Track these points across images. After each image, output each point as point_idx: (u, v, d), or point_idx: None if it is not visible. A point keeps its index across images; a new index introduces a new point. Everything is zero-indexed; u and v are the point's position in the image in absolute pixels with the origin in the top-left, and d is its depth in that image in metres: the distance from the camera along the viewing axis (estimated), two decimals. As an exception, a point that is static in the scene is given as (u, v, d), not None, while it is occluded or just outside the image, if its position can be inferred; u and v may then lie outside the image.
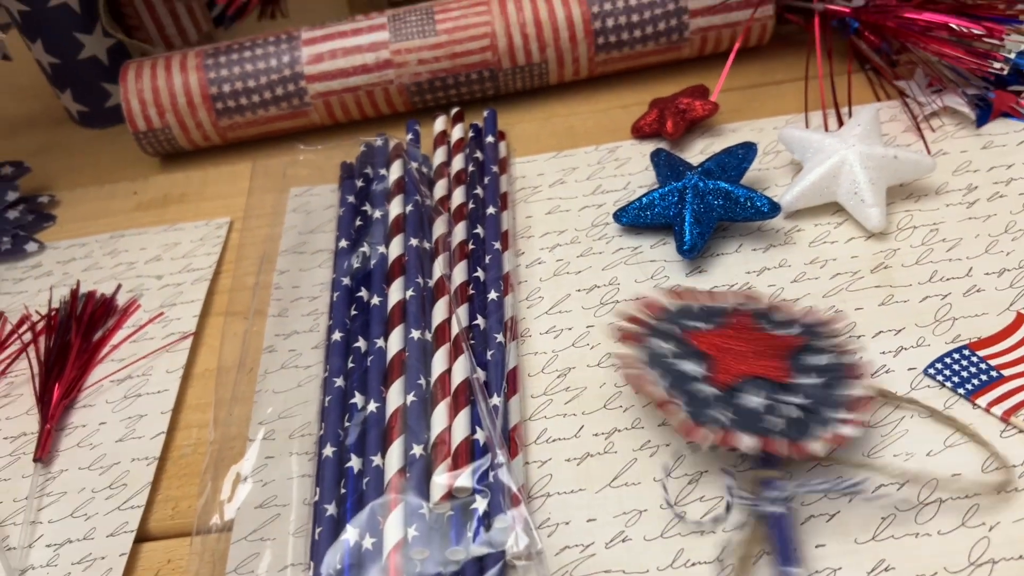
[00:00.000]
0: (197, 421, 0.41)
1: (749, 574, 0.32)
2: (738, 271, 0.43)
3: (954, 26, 0.46)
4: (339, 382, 0.39)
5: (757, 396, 0.34)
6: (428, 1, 0.53)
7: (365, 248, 0.45)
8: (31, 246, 0.51)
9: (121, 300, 0.47)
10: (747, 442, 0.32)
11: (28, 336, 0.46)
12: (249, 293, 0.46)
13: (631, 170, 0.49)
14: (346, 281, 0.43)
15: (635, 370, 0.35)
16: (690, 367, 0.35)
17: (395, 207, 0.46)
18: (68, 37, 0.54)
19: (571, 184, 0.49)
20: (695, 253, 0.42)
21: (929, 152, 0.46)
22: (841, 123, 0.48)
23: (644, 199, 0.44)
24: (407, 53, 0.52)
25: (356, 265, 0.44)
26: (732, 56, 0.51)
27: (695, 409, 0.33)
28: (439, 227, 0.45)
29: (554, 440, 0.37)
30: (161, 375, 0.43)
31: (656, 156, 0.47)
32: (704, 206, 0.43)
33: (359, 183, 0.49)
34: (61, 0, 0.53)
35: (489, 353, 0.39)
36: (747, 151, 0.45)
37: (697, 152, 0.49)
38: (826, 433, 0.32)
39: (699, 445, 0.35)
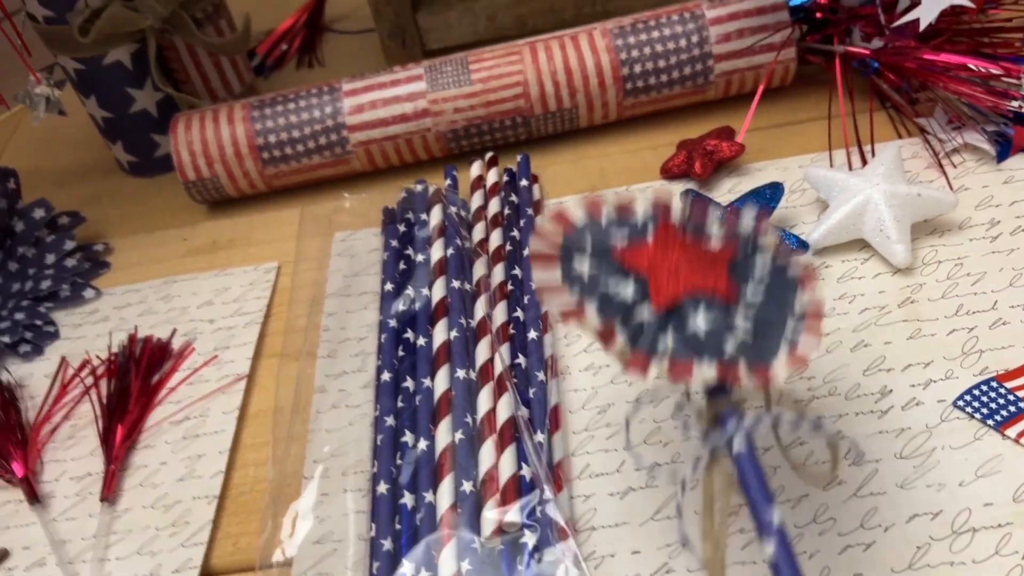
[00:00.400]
0: (254, 460, 0.43)
1: (723, 521, 0.29)
2: (769, 307, 0.44)
3: (972, 66, 0.48)
4: (390, 421, 0.41)
5: (701, 318, 0.30)
6: (463, 52, 0.55)
7: (410, 291, 0.47)
8: (89, 293, 0.53)
9: (176, 344, 0.49)
10: (704, 371, 0.28)
11: (90, 380, 0.48)
12: (299, 335, 0.48)
13: (662, 210, 0.51)
14: (393, 323, 0.45)
15: (560, 296, 0.30)
16: (621, 289, 0.31)
17: (437, 251, 0.48)
18: (121, 92, 0.57)
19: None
20: (727, 291, 0.44)
21: (951, 188, 0.48)
22: (864, 161, 0.50)
23: (676, 239, 0.46)
24: (444, 102, 0.54)
25: (402, 308, 0.46)
26: (756, 99, 0.53)
27: (633, 336, 0.29)
28: (479, 269, 0.47)
29: (597, 475, 0.39)
30: (218, 416, 0.45)
31: (686, 197, 0.48)
32: (734, 245, 0.44)
33: (402, 228, 0.51)
34: (115, 59, 0.56)
35: (531, 391, 0.41)
36: (774, 191, 0.47)
37: (725, 191, 0.51)
38: (784, 353, 0.29)
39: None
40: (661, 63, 0.54)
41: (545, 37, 0.55)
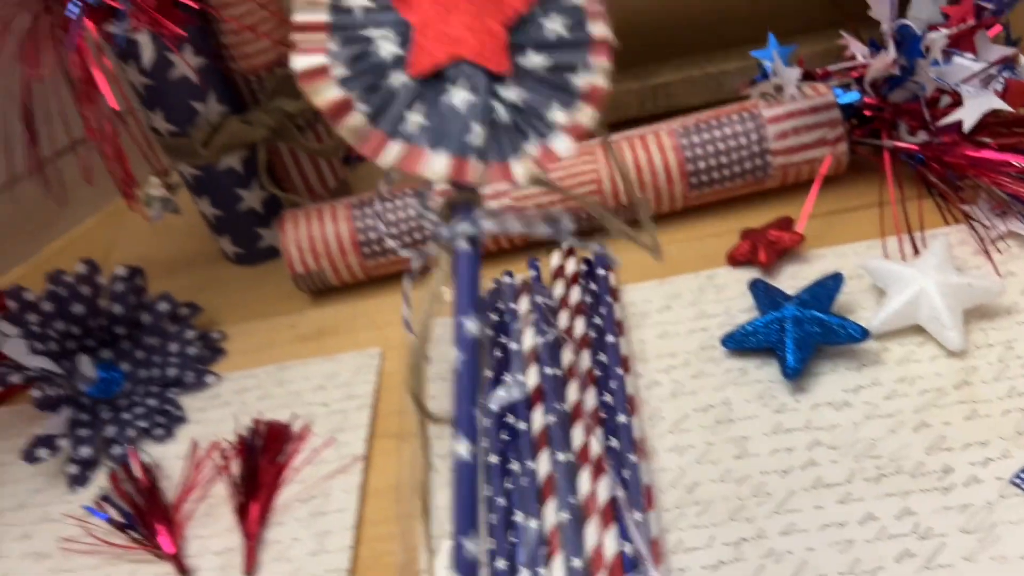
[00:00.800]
0: (377, 535, 0.48)
1: (430, 317, 0.27)
2: (835, 389, 0.49)
3: (1015, 163, 0.53)
4: (501, 501, 0.46)
5: (463, 91, 0.26)
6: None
7: (508, 378, 0.52)
8: (210, 379, 0.59)
9: (296, 426, 0.55)
10: (434, 166, 0.26)
11: (221, 460, 0.53)
12: (407, 418, 0.53)
13: (729, 295, 0.56)
14: (495, 408, 0.51)
15: (311, 50, 0.26)
16: (383, 41, 0.27)
17: (528, 339, 0.54)
18: (231, 193, 0.63)
19: (676, 310, 0.56)
20: (798, 376, 0.49)
21: (999, 274, 0.52)
22: (915, 247, 0.55)
23: (748, 327, 0.51)
24: (526, 199, 0.59)
25: (502, 394, 0.51)
26: (813, 193, 0.58)
27: (377, 109, 0.26)
28: (567, 355, 0.53)
29: (690, 550, 0.44)
30: (340, 494, 0.50)
31: (755, 287, 0.53)
32: (803, 333, 0.49)
33: (494, 317, 0.56)
34: (228, 165, 0.62)
35: (626, 472, 0.46)
36: (835, 282, 0.52)
37: (787, 277, 0.56)
38: (532, 147, 0.26)
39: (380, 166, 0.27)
40: (723, 159, 0.59)
41: (616, 138, 0.60)
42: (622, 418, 0.48)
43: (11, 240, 0.73)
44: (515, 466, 0.47)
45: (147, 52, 0.54)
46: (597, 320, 0.54)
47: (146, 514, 0.51)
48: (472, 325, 0.26)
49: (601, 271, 0.57)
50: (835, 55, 0.65)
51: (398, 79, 0.26)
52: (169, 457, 0.55)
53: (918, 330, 0.50)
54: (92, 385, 0.58)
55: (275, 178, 0.66)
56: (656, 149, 0.59)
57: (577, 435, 0.48)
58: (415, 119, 0.26)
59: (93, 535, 0.51)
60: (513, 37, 0.27)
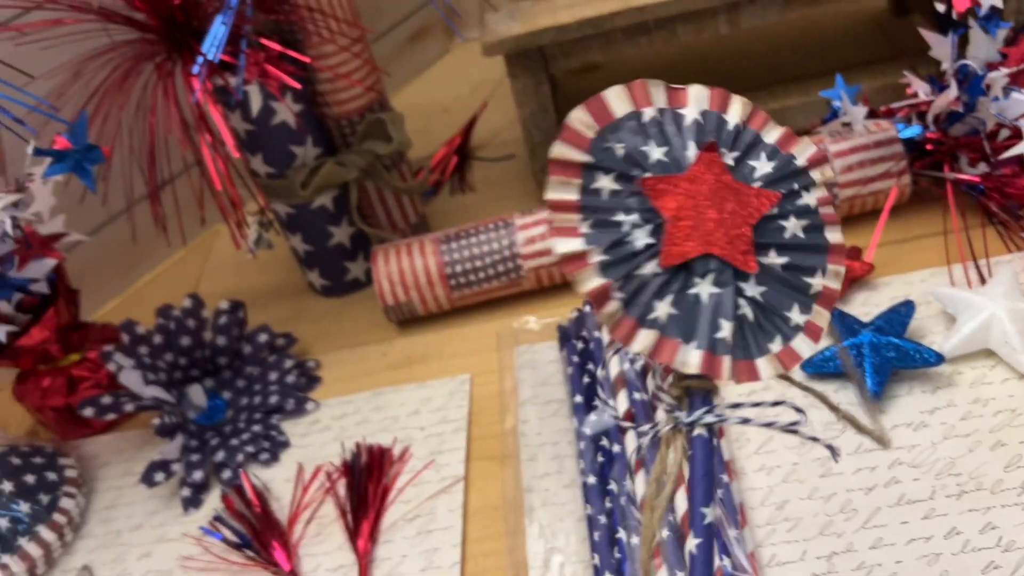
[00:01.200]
0: (482, 551, 0.51)
1: (664, 496, 0.29)
2: (912, 411, 0.52)
3: (1073, 194, 0.56)
4: (603, 520, 0.49)
5: (710, 285, 0.28)
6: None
7: (598, 403, 0.55)
8: (310, 405, 0.63)
9: (396, 449, 0.58)
10: (688, 360, 0.27)
11: (327, 483, 0.57)
12: (500, 440, 0.56)
13: (803, 322, 0.59)
14: (588, 431, 0.54)
15: (569, 234, 0.28)
16: (636, 229, 0.28)
17: (614, 365, 0.57)
18: (322, 230, 0.67)
19: (754, 336, 0.59)
20: (877, 399, 0.52)
21: (1063, 299, 0.55)
22: (980, 273, 0.58)
23: (827, 352, 0.54)
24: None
25: (593, 417, 0.55)
26: (881, 224, 0.60)
27: (630, 296, 0.27)
28: (651, 381, 0.56)
29: (783, 563, 0.46)
30: (444, 513, 0.54)
31: (831, 314, 0.56)
32: (881, 359, 0.52)
33: (579, 345, 0.59)
34: (320, 203, 0.66)
35: (719, 491, 0.49)
36: (907, 308, 0.55)
37: (859, 304, 0.59)
38: (775, 346, 0.27)
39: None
40: (792, 192, 0.62)
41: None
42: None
43: (104, 275, 0.77)
44: (613, 486, 0.50)
45: (255, 101, 0.58)
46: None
47: (260, 533, 0.54)
48: (710, 515, 0.27)
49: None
50: (891, 90, 0.68)
51: (649, 268, 0.28)
52: (276, 480, 0.59)
53: (988, 354, 0.53)
54: (201, 413, 0.62)
55: (362, 215, 0.70)
56: (728, 183, 0.62)
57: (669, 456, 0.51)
58: (664, 308, 0.27)
59: (211, 552, 0.55)
60: (756, 235, 0.28)
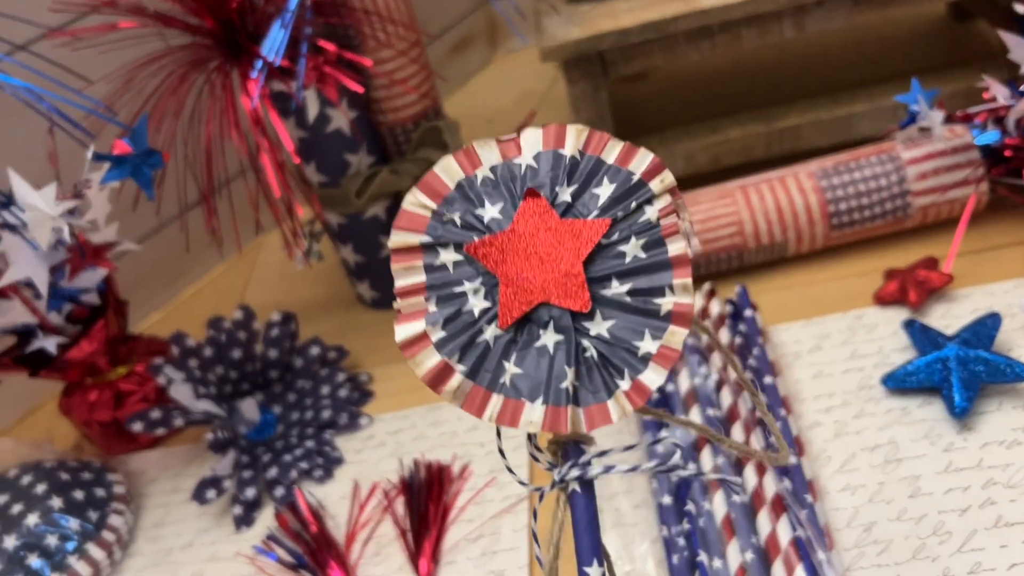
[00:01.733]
0: None
1: (555, 555, 0.28)
2: (1003, 428, 0.49)
3: None
4: (681, 542, 0.47)
5: (552, 333, 0.27)
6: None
7: (669, 425, 0.53)
8: (364, 420, 0.61)
9: (456, 466, 0.56)
10: (531, 418, 0.27)
11: (384, 500, 0.55)
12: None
13: (881, 335, 0.56)
14: (661, 449, 0.51)
15: (413, 318, 0.27)
16: (473, 296, 0.27)
17: (683, 381, 0.54)
18: (375, 240, 0.66)
19: (828, 350, 0.56)
20: (966, 415, 0.49)
21: None
22: (1066, 285, 0.55)
23: (909, 367, 0.52)
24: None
25: (663, 434, 0.52)
26: (960, 233, 0.58)
27: (475, 366, 0.27)
28: (726, 397, 0.53)
29: (877, 588, 0.44)
30: (509, 534, 0.51)
31: (911, 327, 0.54)
32: (969, 373, 0.50)
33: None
34: (373, 213, 0.64)
35: (803, 512, 0.46)
36: (993, 321, 0.52)
37: (938, 316, 0.56)
38: (625, 383, 0.26)
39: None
40: (864, 200, 0.60)
41: (754, 181, 0.62)
42: (792, 459, 0.49)
43: (151, 286, 0.76)
44: (691, 506, 0.48)
45: (312, 107, 0.57)
46: (751, 361, 0.55)
47: (317, 553, 0.52)
48: (594, 573, 0.26)
49: (748, 312, 0.58)
50: (960, 96, 0.66)
51: (490, 332, 0.27)
52: (331, 497, 0.57)
53: (1084, 368, 0.51)
54: (252, 428, 0.60)
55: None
56: (796, 191, 0.60)
57: (749, 476, 0.49)
58: (511, 369, 0.27)
59: (265, 573, 0.53)
60: (594, 268, 0.27)
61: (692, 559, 0.46)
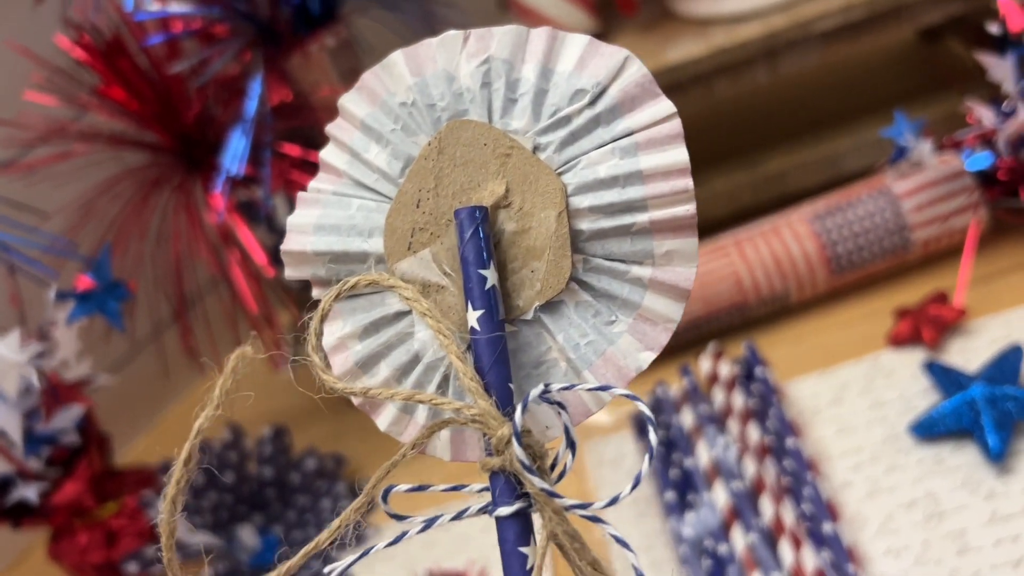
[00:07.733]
0: None
1: None
2: (1046, 467, 0.46)
3: None
4: (724, 634, 0.43)
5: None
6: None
7: (691, 498, 0.50)
8: (370, 532, 0.57)
9: (473, 572, 0.52)
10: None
11: (400, 620, 0.51)
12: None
13: (900, 380, 0.54)
14: (688, 532, 0.48)
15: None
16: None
17: (702, 453, 0.52)
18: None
19: (848, 401, 0.54)
20: (1003, 458, 0.46)
21: None
22: (1084, 305, 0.53)
23: (935, 413, 0.49)
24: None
25: (693, 514, 0.49)
26: (966, 263, 0.56)
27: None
28: (749, 466, 0.50)
29: (941, 664, 0.41)
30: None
31: (932, 369, 0.51)
32: (1000, 412, 0.47)
33: (655, 435, 0.54)
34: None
35: (849, 585, 0.43)
36: (1016, 354, 0.50)
37: (956, 353, 0.54)
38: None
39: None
40: (862, 240, 0.58)
41: (747, 232, 0.60)
42: (827, 527, 0.46)
43: (132, 411, 0.72)
44: (728, 593, 0.45)
45: (282, 211, 0.54)
46: (770, 423, 0.52)
47: None
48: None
49: (759, 370, 0.56)
50: (944, 119, 0.64)
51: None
52: (344, 621, 0.53)
53: (1118, 393, 0.48)
54: (253, 554, 0.57)
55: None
56: (792, 238, 0.58)
57: (786, 552, 0.46)
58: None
59: None
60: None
61: (738, 653, 0.42)
